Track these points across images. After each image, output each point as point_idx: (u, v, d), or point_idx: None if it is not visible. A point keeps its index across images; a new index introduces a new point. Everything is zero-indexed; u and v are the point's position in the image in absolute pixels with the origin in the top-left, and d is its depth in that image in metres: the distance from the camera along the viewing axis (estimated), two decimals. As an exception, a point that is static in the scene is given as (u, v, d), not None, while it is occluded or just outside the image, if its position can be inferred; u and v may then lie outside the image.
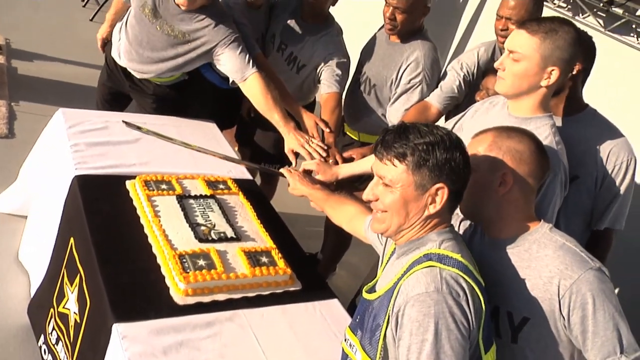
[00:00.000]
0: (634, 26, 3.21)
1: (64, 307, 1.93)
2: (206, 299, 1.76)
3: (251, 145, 3.08)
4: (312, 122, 2.53)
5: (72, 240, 1.98)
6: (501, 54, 1.77)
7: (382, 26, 2.66)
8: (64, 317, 1.92)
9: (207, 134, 2.70)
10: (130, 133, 2.46)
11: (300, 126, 2.53)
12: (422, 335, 1.22)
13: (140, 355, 1.53)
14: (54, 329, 1.98)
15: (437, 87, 2.54)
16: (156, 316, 1.65)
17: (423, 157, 1.31)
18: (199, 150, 2.49)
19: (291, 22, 2.79)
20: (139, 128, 2.49)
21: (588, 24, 3.34)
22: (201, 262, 1.81)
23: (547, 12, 2.86)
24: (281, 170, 2.20)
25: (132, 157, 2.33)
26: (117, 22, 2.71)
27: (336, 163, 2.29)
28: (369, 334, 1.37)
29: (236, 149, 3.09)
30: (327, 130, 2.51)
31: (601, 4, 3.27)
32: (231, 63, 2.47)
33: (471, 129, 1.72)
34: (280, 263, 1.92)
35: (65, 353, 1.86)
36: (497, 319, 1.46)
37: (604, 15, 3.31)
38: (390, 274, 1.40)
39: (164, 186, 2.15)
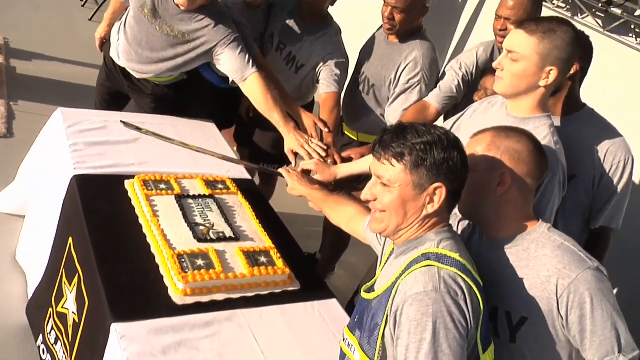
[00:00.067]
0: (632, 26, 3.21)
1: (62, 307, 1.93)
2: (205, 298, 1.76)
3: (250, 145, 3.08)
4: (311, 122, 2.53)
5: (70, 240, 1.98)
6: (500, 54, 1.77)
7: (381, 26, 2.67)
8: (62, 317, 1.92)
9: (206, 133, 2.70)
10: (129, 133, 2.46)
11: (299, 126, 2.53)
12: (421, 335, 1.23)
13: (139, 355, 1.53)
14: (52, 328, 1.98)
15: (435, 87, 2.54)
16: (155, 316, 1.65)
17: (421, 157, 1.31)
18: (197, 150, 2.49)
19: (290, 22, 2.79)
20: (137, 128, 2.49)
21: (587, 24, 3.34)
22: (200, 262, 1.81)
23: (546, 12, 2.86)
24: (280, 170, 2.20)
25: (131, 156, 2.33)
26: (116, 22, 2.71)
27: (335, 163, 2.29)
28: (368, 334, 1.37)
29: (235, 148, 3.09)
30: (326, 130, 2.51)
31: (600, 5, 3.27)
32: (231, 63, 2.47)
33: (470, 128, 1.72)
34: (279, 263, 1.93)
35: (64, 353, 1.86)
36: (495, 318, 1.46)
37: (603, 15, 3.31)
38: (389, 273, 1.40)
39: (162, 186, 2.15)
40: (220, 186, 2.28)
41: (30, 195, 2.52)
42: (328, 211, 1.98)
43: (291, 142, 2.40)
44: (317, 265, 3.14)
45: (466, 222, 1.60)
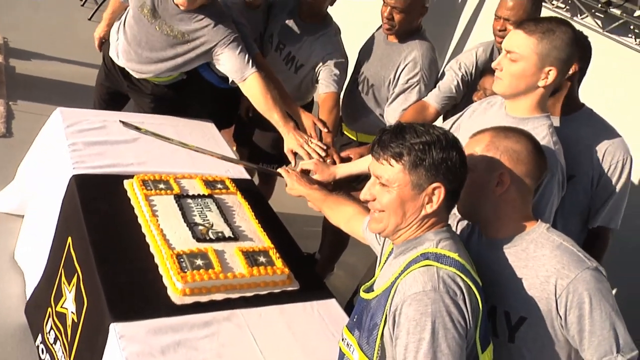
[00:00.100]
0: (632, 27, 3.22)
1: (61, 307, 1.93)
2: (204, 298, 1.76)
3: (249, 145, 3.08)
4: (310, 122, 2.53)
5: (69, 239, 1.98)
6: (499, 54, 1.77)
7: (380, 26, 2.67)
8: (61, 317, 1.92)
9: (206, 133, 2.70)
10: (128, 132, 2.46)
11: (299, 126, 2.53)
12: (419, 334, 1.23)
13: (138, 354, 1.53)
14: (52, 328, 1.98)
15: (435, 87, 2.54)
16: (154, 316, 1.65)
17: (419, 157, 1.31)
18: (197, 150, 2.49)
19: (289, 22, 2.79)
20: (136, 128, 2.49)
21: (586, 24, 3.34)
22: (199, 262, 1.81)
23: (545, 12, 2.86)
24: (279, 170, 2.20)
25: (130, 156, 2.33)
26: (115, 22, 2.70)
27: (334, 163, 2.29)
28: (367, 333, 1.37)
29: (234, 148, 3.09)
30: (325, 130, 2.51)
31: (599, 5, 3.28)
32: (231, 63, 2.47)
33: (469, 129, 1.72)
34: (278, 263, 1.93)
35: (63, 353, 1.86)
36: (494, 318, 1.46)
37: (602, 16, 3.32)
38: (388, 273, 1.40)
39: (161, 186, 2.15)
40: (219, 186, 2.28)
41: (29, 195, 2.52)
42: (327, 211, 1.98)
43: (291, 142, 2.40)
44: (316, 265, 3.14)
45: (465, 222, 1.60)
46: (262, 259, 1.92)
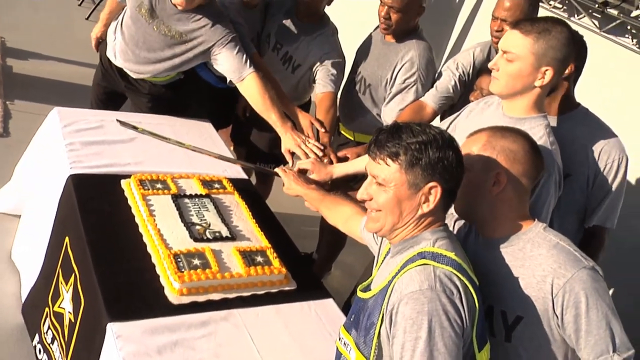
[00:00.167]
0: (628, 27, 3.23)
1: (59, 307, 1.93)
2: (201, 298, 1.76)
3: (247, 145, 3.08)
4: (308, 122, 2.53)
5: (67, 239, 1.98)
6: (497, 55, 1.77)
7: (378, 26, 2.67)
8: (59, 317, 1.91)
9: (203, 133, 2.69)
10: (125, 132, 2.46)
11: (296, 126, 2.53)
12: (416, 333, 1.23)
13: (135, 354, 1.53)
14: (49, 328, 1.97)
15: (432, 87, 2.55)
16: (151, 315, 1.65)
17: (416, 156, 1.32)
18: (194, 150, 2.49)
19: (286, 22, 2.79)
20: (134, 127, 2.49)
21: (583, 25, 3.35)
22: (196, 262, 1.81)
23: (542, 12, 2.86)
24: (276, 169, 2.20)
25: (127, 156, 2.33)
26: (112, 22, 2.70)
27: (331, 162, 2.29)
28: (364, 333, 1.37)
29: (232, 148, 3.09)
30: (322, 130, 2.51)
31: (596, 5, 3.29)
32: (228, 63, 2.47)
33: (466, 129, 1.72)
34: (275, 263, 1.93)
35: (60, 353, 1.86)
36: (491, 318, 1.46)
37: (599, 16, 3.33)
38: (385, 272, 1.40)
39: (159, 185, 2.14)
40: (216, 186, 2.28)
41: (26, 195, 2.52)
42: (325, 211, 1.98)
43: (288, 141, 2.40)
44: (314, 265, 3.14)
45: (462, 222, 1.61)
46: (259, 258, 1.92)
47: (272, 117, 2.45)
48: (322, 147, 2.35)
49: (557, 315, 1.37)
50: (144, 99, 2.73)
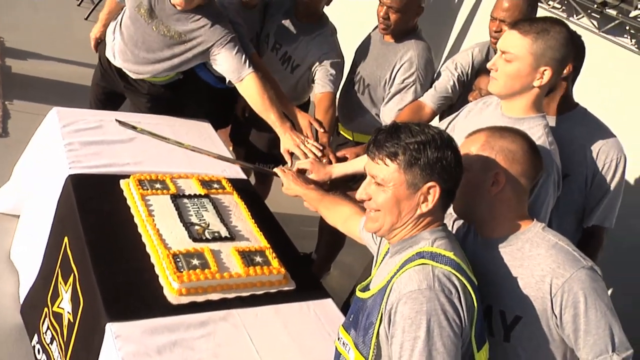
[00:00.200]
0: (627, 28, 3.23)
1: (58, 307, 1.93)
2: (200, 298, 1.76)
3: (246, 145, 3.08)
4: (307, 122, 2.53)
5: (66, 239, 1.97)
6: (495, 55, 1.78)
7: (377, 26, 2.67)
8: (58, 317, 1.91)
9: (202, 133, 2.69)
10: (124, 132, 2.46)
11: (295, 126, 2.53)
12: (415, 333, 1.23)
13: (134, 354, 1.53)
14: (48, 328, 1.97)
15: (431, 87, 2.55)
16: (150, 316, 1.65)
17: (414, 156, 1.32)
18: (193, 150, 2.49)
19: (285, 22, 2.79)
20: (133, 127, 2.49)
21: (582, 25, 3.35)
22: (195, 262, 1.81)
23: (541, 13, 2.87)
24: (275, 170, 2.20)
25: (126, 156, 2.33)
26: (111, 22, 2.70)
27: (330, 162, 2.30)
28: (362, 332, 1.37)
29: (231, 148, 3.09)
30: (321, 130, 2.51)
31: (595, 6, 3.29)
32: (228, 63, 2.47)
33: (465, 129, 1.72)
34: (274, 263, 1.93)
35: (59, 353, 1.86)
36: (490, 317, 1.47)
37: (598, 16, 3.33)
38: (384, 272, 1.40)
39: (158, 185, 2.14)
40: (215, 186, 2.28)
41: (25, 195, 2.52)
42: (324, 211, 1.98)
43: (287, 142, 2.41)
44: (313, 265, 3.14)
45: (461, 222, 1.61)
46: (258, 258, 1.92)
47: (271, 117, 2.45)
48: (321, 147, 2.35)
49: (555, 315, 1.37)
50: (143, 99, 2.73)
